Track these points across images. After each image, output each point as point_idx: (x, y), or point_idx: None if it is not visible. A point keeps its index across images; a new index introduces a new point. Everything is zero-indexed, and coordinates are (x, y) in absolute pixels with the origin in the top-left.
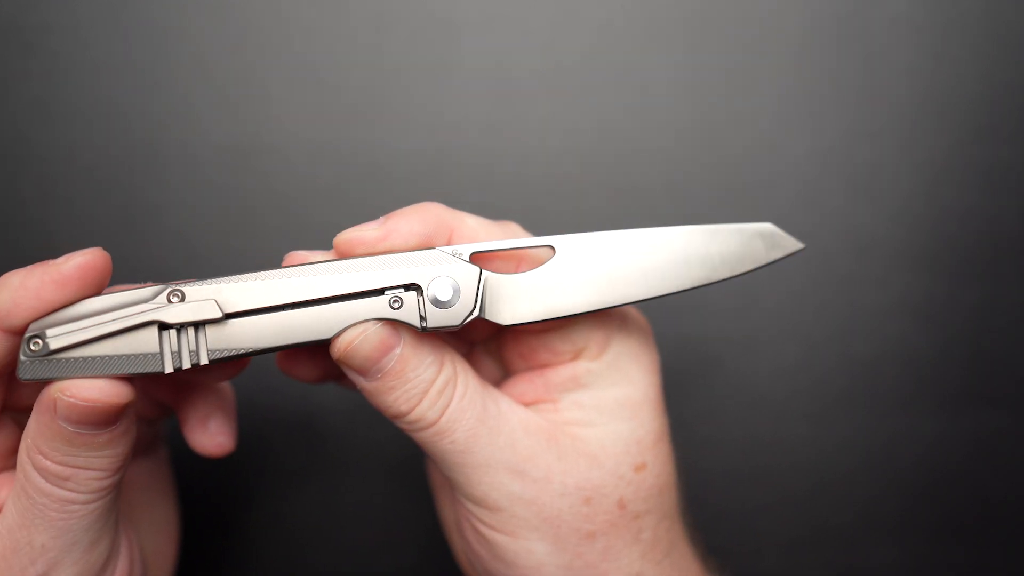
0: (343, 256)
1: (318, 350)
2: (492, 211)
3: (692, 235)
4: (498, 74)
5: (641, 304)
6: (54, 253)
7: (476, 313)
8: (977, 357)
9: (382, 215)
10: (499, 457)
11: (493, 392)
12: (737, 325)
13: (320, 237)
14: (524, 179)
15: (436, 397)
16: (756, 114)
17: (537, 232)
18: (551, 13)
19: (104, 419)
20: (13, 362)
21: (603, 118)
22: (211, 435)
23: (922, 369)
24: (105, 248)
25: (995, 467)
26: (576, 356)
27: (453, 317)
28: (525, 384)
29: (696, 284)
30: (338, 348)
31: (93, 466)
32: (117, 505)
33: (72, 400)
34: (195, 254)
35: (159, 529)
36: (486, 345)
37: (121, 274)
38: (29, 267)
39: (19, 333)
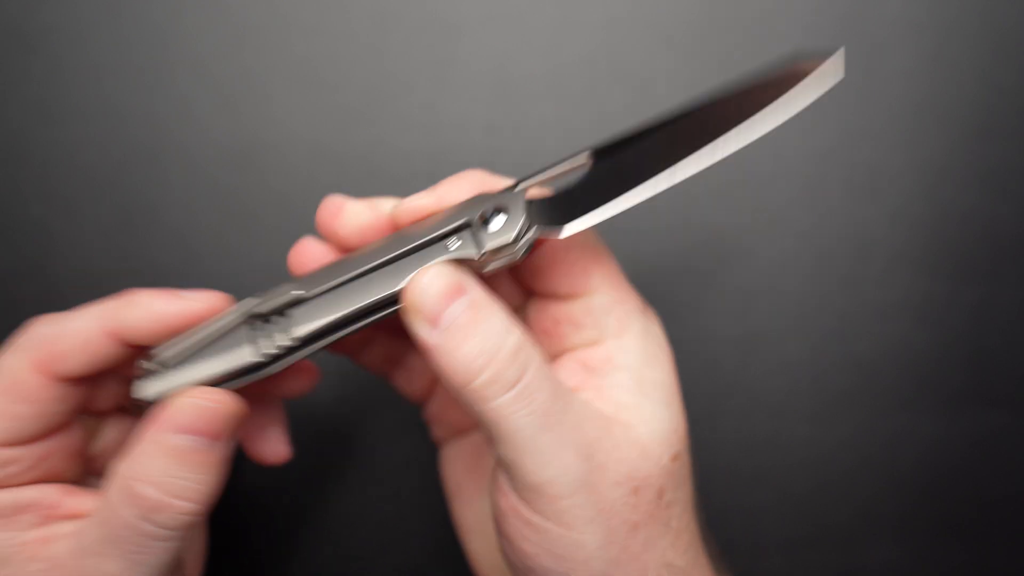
0: (398, 227)
1: (382, 333)
2: None
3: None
4: (498, 74)
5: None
6: (54, 253)
7: (530, 232)
8: (977, 357)
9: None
10: (571, 436)
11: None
12: (737, 325)
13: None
14: None
15: (515, 354)
16: None
17: None
18: (551, 13)
19: (222, 428)
20: (111, 370)
21: (603, 118)
22: (272, 444)
23: (922, 369)
24: (105, 248)
25: (995, 467)
26: (601, 337)
27: (507, 238)
28: (563, 371)
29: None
30: (409, 294)
31: (190, 492)
32: (181, 555)
33: (199, 402)
34: (195, 254)
35: (194, 542)
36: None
37: (121, 274)
38: (156, 291)
39: (129, 347)
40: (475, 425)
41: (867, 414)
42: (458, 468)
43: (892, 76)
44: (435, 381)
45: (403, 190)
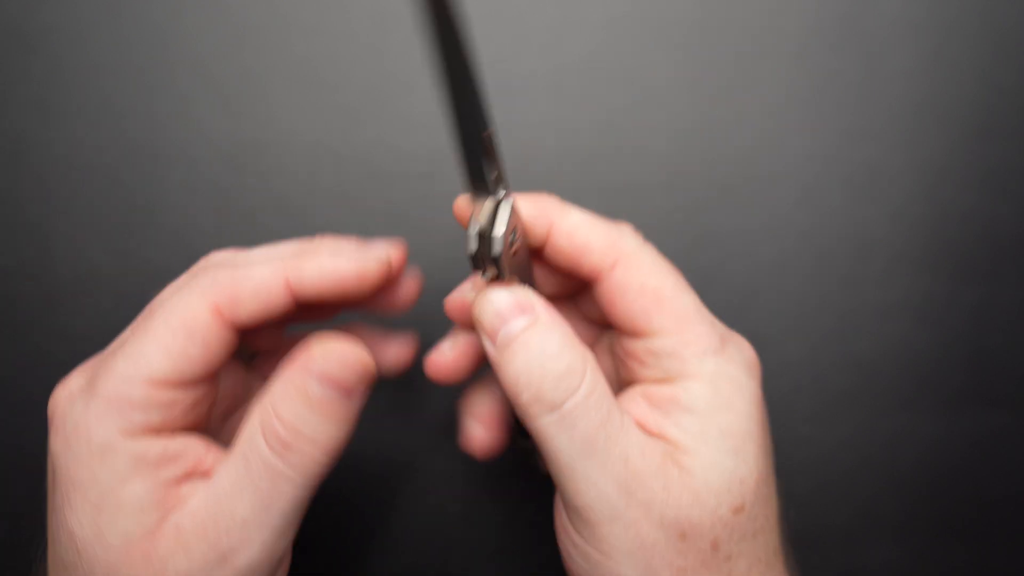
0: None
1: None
2: None
3: None
4: (498, 74)
5: None
6: (53, 253)
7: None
8: (978, 357)
9: (382, 215)
10: (612, 468)
11: (620, 406)
12: (737, 325)
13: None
14: (524, 179)
15: (560, 379)
16: (756, 114)
17: None
18: (551, 13)
19: (354, 384)
20: (272, 323)
21: (603, 118)
22: (394, 350)
23: (922, 369)
24: (104, 247)
25: (996, 467)
26: (666, 377)
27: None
28: (629, 402)
29: None
30: (475, 308)
31: (320, 440)
32: (305, 508)
33: (337, 354)
34: (194, 254)
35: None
36: (612, 354)
37: (120, 273)
38: (335, 243)
39: (296, 302)
40: None
41: (867, 414)
42: None
43: (892, 76)
44: None
45: (403, 190)
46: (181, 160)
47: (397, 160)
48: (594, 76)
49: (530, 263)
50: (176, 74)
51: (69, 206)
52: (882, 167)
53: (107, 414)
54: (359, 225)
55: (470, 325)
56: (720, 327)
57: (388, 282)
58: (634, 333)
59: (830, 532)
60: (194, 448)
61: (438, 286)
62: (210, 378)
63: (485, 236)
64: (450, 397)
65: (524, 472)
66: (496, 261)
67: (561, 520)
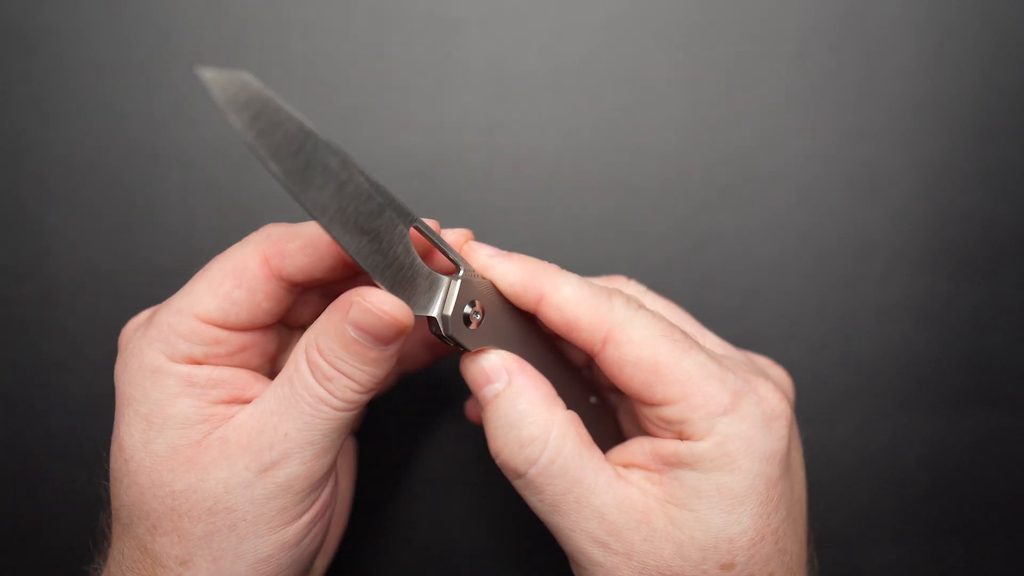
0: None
1: None
2: (492, 211)
3: None
4: (498, 74)
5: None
6: (52, 252)
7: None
8: (978, 357)
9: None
10: (584, 526)
11: (597, 462)
12: (737, 325)
13: None
14: (524, 179)
15: (520, 448)
16: (756, 113)
17: (536, 230)
18: (551, 13)
19: (385, 336)
20: (322, 283)
21: (603, 118)
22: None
23: (923, 369)
24: (103, 247)
25: (996, 467)
26: (681, 433)
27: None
28: (637, 446)
29: None
30: (463, 368)
31: (355, 377)
32: (349, 432)
33: (369, 307)
34: (193, 254)
35: (346, 490)
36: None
37: (119, 273)
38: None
39: (347, 266)
40: None
41: (867, 414)
42: None
43: (892, 76)
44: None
45: (402, 190)
46: (180, 160)
47: (396, 160)
48: (594, 76)
49: (526, 319)
50: (175, 74)
51: (68, 206)
52: (882, 167)
53: (157, 340)
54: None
55: None
56: (736, 377)
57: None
58: (641, 403)
59: (830, 532)
60: (241, 377)
61: None
62: (257, 327)
63: (435, 318)
64: (450, 397)
65: None
66: (452, 339)
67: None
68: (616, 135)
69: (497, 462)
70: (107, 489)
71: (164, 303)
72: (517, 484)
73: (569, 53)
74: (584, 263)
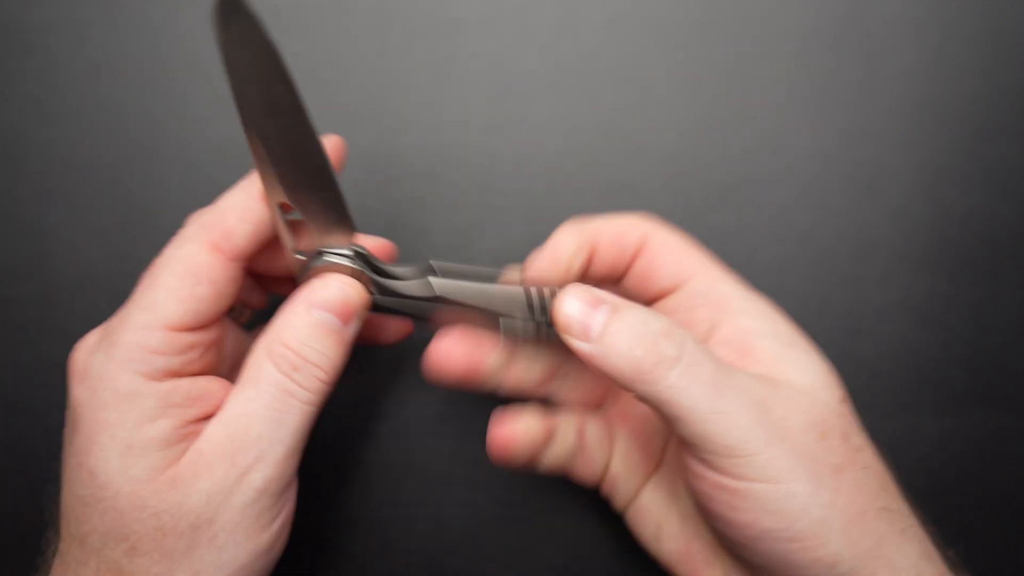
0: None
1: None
2: (492, 211)
3: None
4: (498, 73)
5: None
6: (50, 252)
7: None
8: (979, 357)
9: (380, 215)
10: (744, 399)
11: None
12: None
13: None
14: (524, 179)
15: (668, 333)
16: (757, 113)
17: (536, 230)
18: (551, 12)
19: (352, 313)
20: (270, 244)
21: (603, 118)
22: (393, 328)
23: (924, 369)
24: (102, 247)
25: (998, 468)
26: (717, 317)
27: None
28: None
29: None
30: (558, 319)
31: (320, 363)
32: (309, 431)
33: (339, 286)
34: None
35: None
36: None
37: (117, 273)
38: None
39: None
40: (646, 475)
41: (868, 415)
42: (646, 521)
43: (893, 76)
44: (607, 462)
45: (402, 189)
46: (179, 159)
47: (396, 160)
48: (594, 76)
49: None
50: (174, 73)
51: (66, 205)
52: (882, 167)
53: (129, 362)
54: (358, 225)
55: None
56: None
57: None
58: (676, 285)
59: None
60: (214, 389)
61: None
62: (219, 318)
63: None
64: (451, 398)
65: (525, 472)
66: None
67: (708, 482)
68: (616, 135)
69: (647, 366)
70: (55, 515)
71: (117, 322)
72: (674, 377)
73: (569, 53)
74: None
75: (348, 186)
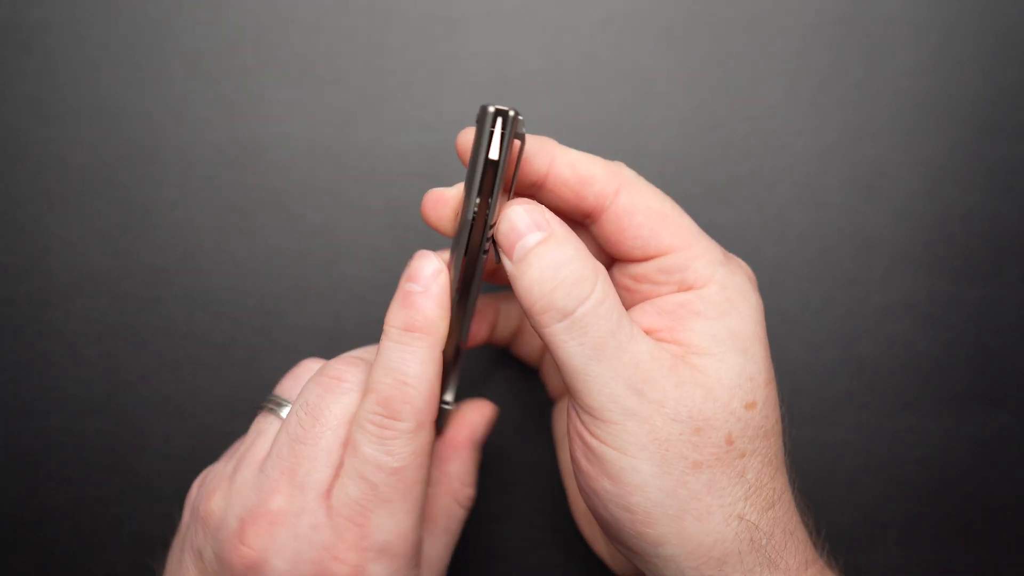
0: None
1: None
2: None
3: None
4: (497, 72)
5: None
6: (49, 252)
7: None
8: (980, 357)
9: (380, 215)
10: (621, 372)
11: (629, 317)
12: None
13: (318, 237)
14: None
15: (571, 287)
16: (757, 113)
17: None
18: (550, 10)
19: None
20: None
21: (603, 118)
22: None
23: (925, 369)
24: (100, 247)
25: (1000, 468)
26: (681, 287)
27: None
28: (639, 313)
29: None
30: (498, 228)
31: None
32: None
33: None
34: (191, 253)
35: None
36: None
37: (116, 273)
38: None
39: None
40: None
41: (869, 415)
42: (562, 421)
43: (893, 75)
44: (544, 348)
45: (402, 189)
46: (178, 159)
47: (396, 159)
48: (594, 75)
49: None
50: (173, 73)
51: (65, 205)
52: (884, 166)
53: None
54: (358, 225)
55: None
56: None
57: None
58: (644, 256)
59: (833, 534)
60: None
61: None
62: None
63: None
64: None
65: (525, 472)
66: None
67: (573, 426)
68: (616, 135)
69: (538, 307)
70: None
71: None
72: (557, 328)
73: (569, 52)
74: None
75: (347, 185)
